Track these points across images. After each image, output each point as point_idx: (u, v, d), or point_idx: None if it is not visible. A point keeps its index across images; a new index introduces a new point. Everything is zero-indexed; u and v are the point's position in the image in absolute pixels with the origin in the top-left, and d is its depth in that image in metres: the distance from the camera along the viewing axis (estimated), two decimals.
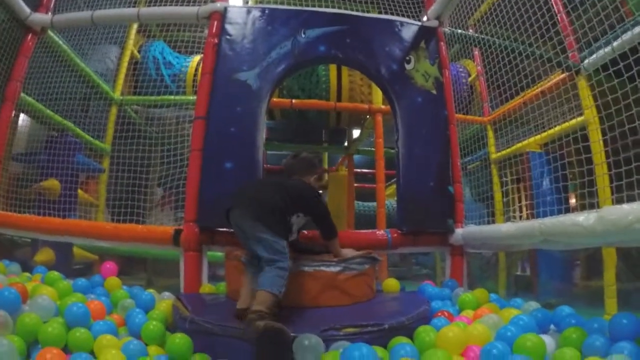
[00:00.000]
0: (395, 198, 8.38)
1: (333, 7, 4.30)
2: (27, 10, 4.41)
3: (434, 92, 4.01)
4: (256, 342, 2.07)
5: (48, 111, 4.75)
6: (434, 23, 4.25)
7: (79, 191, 5.06)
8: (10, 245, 4.82)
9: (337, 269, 2.65)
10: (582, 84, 3.92)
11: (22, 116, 4.75)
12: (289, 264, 2.44)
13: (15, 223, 4.05)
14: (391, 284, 3.41)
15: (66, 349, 2.18)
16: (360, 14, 4.19)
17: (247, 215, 2.57)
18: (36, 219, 4.03)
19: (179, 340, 2.28)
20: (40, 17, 4.48)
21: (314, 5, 4.21)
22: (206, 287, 3.24)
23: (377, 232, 3.84)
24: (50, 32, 4.61)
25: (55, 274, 3.21)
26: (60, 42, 4.77)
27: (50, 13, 4.54)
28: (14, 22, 4.40)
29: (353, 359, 1.89)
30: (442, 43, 4.25)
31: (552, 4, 4.09)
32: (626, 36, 3.23)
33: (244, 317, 2.29)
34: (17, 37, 4.45)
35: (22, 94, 4.42)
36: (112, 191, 5.12)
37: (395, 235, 3.72)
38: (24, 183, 4.61)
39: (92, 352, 2.17)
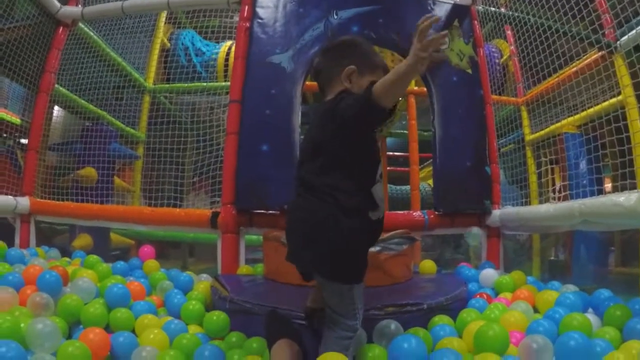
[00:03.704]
0: (427, 182, 8.33)
1: None
2: (58, 4, 4.47)
3: (469, 71, 3.94)
4: None
5: (82, 101, 4.83)
6: (467, 1, 4.16)
7: (115, 178, 5.14)
8: (49, 232, 4.95)
9: (377, 248, 2.62)
10: (619, 62, 3.80)
11: (56, 107, 4.85)
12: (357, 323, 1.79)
13: (54, 210, 4.15)
14: (428, 265, 3.38)
15: (107, 329, 2.21)
16: None
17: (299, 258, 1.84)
18: (74, 205, 4.13)
19: (217, 317, 2.30)
20: (71, 10, 4.54)
21: None
22: (243, 269, 3.27)
23: (414, 213, 3.79)
24: (81, 24, 4.67)
25: (94, 257, 3.27)
26: (92, 34, 4.83)
27: (80, 5, 4.60)
28: (45, 16, 4.47)
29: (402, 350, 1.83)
30: (475, 21, 4.16)
31: None
32: None
33: (312, 316, 2.06)
34: (48, 30, 4.52)
35: (57, 85, 4.49)
36: (148, 176, 5.19)
37: (432, 216, 3.68)
38: (61, 172, 4.71)
39: (132, 332, 2.21)
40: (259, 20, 3.75)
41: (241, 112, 3.56)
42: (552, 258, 5.87)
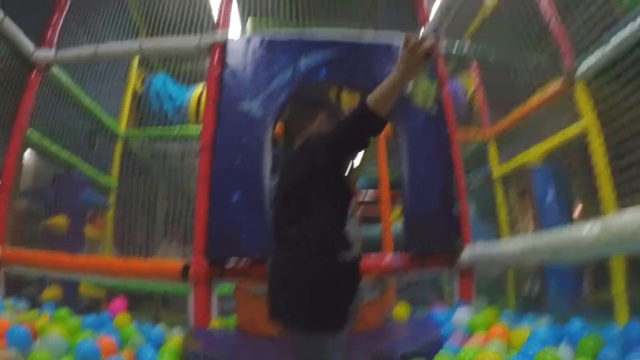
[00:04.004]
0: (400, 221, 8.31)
1: (330, 26, 4.31)
2: (31, 47, 4.43)
3: (434, 110, 4.01)
4: None
5: (55, 147, 4.76)
6: (430, 42, 4.24)
7: (87, 227, 5.05)
8: (18, 282, 4.82)
9: None
10: (580, 89, 3.87)
11: (26, 154, 4.77)
12: None
13: (23, 259, 4.05)
14: (401, 310, 3.38)
15: None
16: (357, 39, 4.18)
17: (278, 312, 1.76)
18: (45, 255, 4.03)
19: None
20: (44, 54, 4.51)
21: (311, 27, 4.22)
22: (216, 322, 3.23)
23: (385, 258, 3.76)
24: (54, 69, 4.64)
25: (64, 311, 3.21)
26: (65, 78, 4.79)
27: (54, 49, 4.58)
28: (18, 59, 4.44)
29: None
30: (439, 60, 4.26)
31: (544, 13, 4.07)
32: (617, 39, 3.21)
33: None
34: (21, 74, 4.47)
35: (30, 129, 4.43)
36: (119, 226, 5.10)
37: (403, 259, 3.66)
38: (31, 219, 4.62)
39: None
40: (229, 67, 3.81)
41: (212, 159, 3.57)
42: (527, 289, 5.89)
